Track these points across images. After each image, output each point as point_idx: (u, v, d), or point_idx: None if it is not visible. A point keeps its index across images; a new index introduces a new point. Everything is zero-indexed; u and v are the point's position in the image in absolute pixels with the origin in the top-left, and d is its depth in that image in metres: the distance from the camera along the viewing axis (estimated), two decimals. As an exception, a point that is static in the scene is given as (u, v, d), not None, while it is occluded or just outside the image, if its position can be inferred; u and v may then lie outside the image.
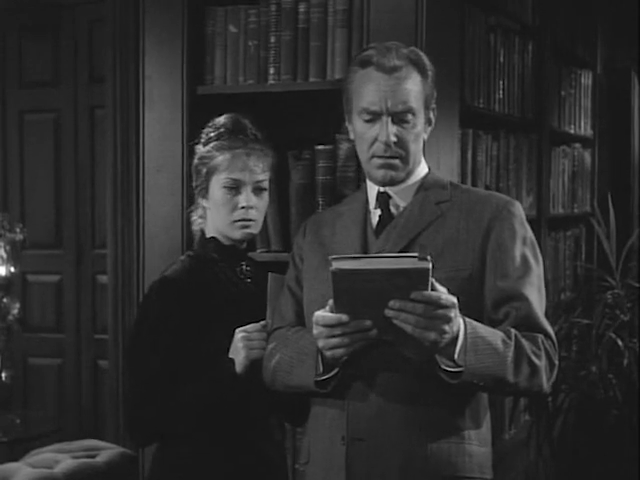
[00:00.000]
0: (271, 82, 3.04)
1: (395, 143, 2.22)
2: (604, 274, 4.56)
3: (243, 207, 2.49)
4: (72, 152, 5.31)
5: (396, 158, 2.25)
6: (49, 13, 5.30)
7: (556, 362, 2.18)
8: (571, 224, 5.05)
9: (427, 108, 2.28)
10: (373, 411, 2.15)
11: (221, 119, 2.57)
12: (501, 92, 3.79)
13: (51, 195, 5.34)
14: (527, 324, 2.16)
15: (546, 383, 2.16)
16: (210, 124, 2.58)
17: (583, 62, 5.30)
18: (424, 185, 2.31)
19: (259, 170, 2.51)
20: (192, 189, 2.61)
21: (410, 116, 2.23)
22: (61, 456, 3.51)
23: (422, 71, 2.25)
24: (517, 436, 4.09)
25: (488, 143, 3.61)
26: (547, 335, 2.18)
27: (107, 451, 3.57)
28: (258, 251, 3.02)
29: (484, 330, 2.09)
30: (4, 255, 4.25)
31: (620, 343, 4.21)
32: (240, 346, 2.38)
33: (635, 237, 4.70)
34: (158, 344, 2.41)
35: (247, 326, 2.41)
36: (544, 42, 4.38)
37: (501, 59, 3.78)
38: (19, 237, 4.30)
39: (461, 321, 2.04)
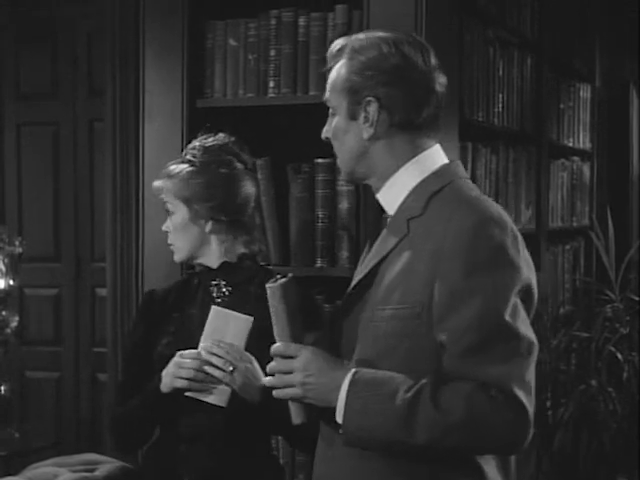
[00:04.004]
0: (271, 95, 3.05)
1: (327, 138, 2.06)
2: (603, 287, 4.56)
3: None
4: (71, 165, 5.30)
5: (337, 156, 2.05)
6: (47, 25, 5.30)
7: (507, 416, 1.78)
8: (570, 237, 5.05)
9: (352, 97, 1.96)
10: (328, 455, 1.99)
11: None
12: (500, 105, 3.79)
13: (50, 208, 5.34)
14: (453, 372, 1.83)
15: (483, 441, 1.81)
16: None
17: (582, 75, 5.31)
18: (412, 193, 1.96)
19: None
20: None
21: (331, 106, 2.03)
22: (60, 470, 3.48)
23: (349, 56, 1.97)
24: (517, 450, 4.07)
25: (487, 156, 3.61)
26: (488, 384, 1.79)
27: (106, 465, 3.54)
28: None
29: (377, 385, 1.84)
30: (2, 268, 4.23)
31: (620, 356, 4.21)
32: (170, 372, 2.36)
33: (634, 250, 4.71)
34: (128, 352, 2.63)
35: (186, 351, 2.35)
36: (543, 55, 4.39)
37: (500, 72, 3.79)
38: (18, 250, 4.29)
39: (346, 376, 1.85)
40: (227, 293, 2.52)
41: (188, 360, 2.31)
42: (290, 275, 1.97)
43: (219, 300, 2.50)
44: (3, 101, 5.43)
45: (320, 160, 3.00)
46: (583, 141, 5.32)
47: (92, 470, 3.52)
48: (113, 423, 2.61)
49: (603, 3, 5.62)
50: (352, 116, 1.97)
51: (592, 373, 4.21)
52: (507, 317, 1.81)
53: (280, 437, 2.87)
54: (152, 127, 3.13)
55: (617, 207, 5.41)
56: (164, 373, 2.38)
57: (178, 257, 2.55)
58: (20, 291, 5.05)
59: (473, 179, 3.45)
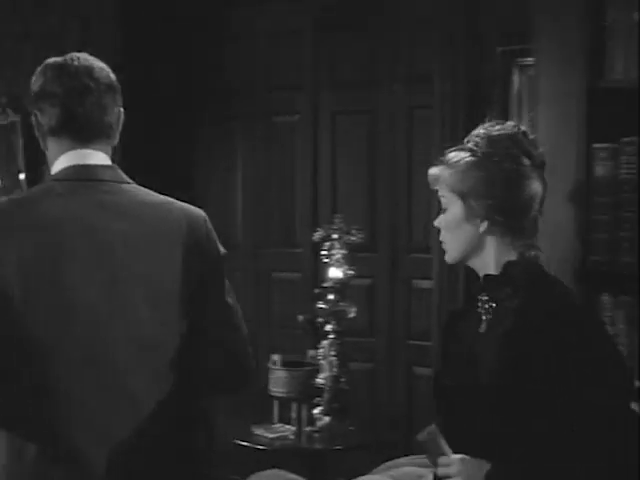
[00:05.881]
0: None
1: None
2: None
3: None
4: (388, 153, 5.19)
5: None
6: (363, 11, 5.21)
7: None
8: None
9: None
10: None
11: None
12: None
13: (365, 197, 5.26)
14: None
15: None
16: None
17: None
18: None
19: None
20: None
21: None
22: (422, 470, 3.36)
23: None
24: None
25: None
26: None
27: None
28: None
29: None
30: (340, 258, 4.18)
31: None
32: None
33: None
34: None
35: None
36: None
37: None
38: (353, 239, 4.22)
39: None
40: (490, 309, 2.29)
41: None
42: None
43: (484, 317, 2.30)
44: (319, 89, 5.38)
45: None
46: None
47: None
48: None
49: None
50: None
51: None
52: None
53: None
54: (546, 111, 2.94)
55: None
56: None
57: (449, 257, 2.32)
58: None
59: None
